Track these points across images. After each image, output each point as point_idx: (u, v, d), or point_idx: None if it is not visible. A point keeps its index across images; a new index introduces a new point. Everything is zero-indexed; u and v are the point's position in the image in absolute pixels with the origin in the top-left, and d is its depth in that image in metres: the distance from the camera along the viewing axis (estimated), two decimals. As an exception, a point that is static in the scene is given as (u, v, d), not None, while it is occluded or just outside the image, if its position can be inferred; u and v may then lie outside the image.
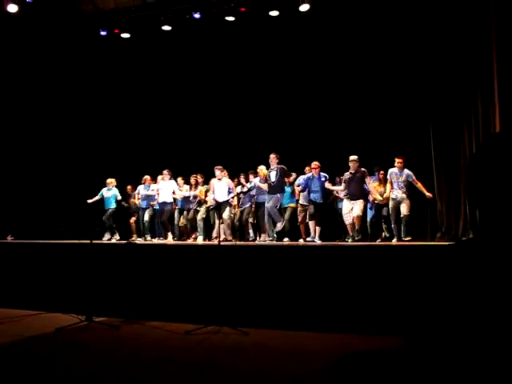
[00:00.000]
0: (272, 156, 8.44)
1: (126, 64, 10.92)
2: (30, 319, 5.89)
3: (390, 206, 7.79)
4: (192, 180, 9.89)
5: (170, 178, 9.80)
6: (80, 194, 10.38)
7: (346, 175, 7.96)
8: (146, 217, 10.13)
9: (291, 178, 8.82)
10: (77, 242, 7.59)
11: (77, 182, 10.92)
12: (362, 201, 7.83)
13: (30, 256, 6.88)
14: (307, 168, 8.88)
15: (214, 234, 9.31)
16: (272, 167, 8.44)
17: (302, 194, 8.72)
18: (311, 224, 8.52)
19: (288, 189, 8.88)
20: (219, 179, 9.22)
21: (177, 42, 10.24)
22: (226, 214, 8.99)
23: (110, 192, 10.21)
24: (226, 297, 5.27)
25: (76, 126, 11.40)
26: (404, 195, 7.67)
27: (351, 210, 7.78)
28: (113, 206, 10.19)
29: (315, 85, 9.84)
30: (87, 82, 11.18)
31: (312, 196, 8.46)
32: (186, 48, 10.37)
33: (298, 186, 8.86)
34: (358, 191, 7.82)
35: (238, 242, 7.95)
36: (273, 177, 8.31)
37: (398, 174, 7.75)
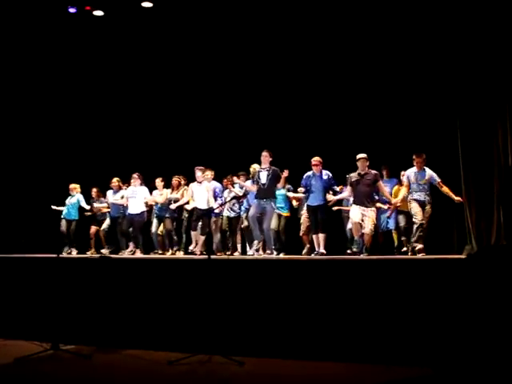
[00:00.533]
0: (264, 154, 8.17)
1: (99, 47, 10.88)
2: (-15, 348, 5.85)
3: (413, 206, 7.60)
4: (174, 181, 9.79)
5: (141, 184, 9.62)
6: (44, 201, 10.34)
7: (353, 176, 7.80)
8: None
9: (281, 181, 8.24)
10: (41, 256, 7.56)
11: (40, 187, 10.87)
12: (374, 210, 7.71)
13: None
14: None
15: (193, 247, 9.26)
16: (263, 166, 8.18)
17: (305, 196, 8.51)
18: (315, 235, 8.30)
19: (281, 193, 8.83)
20: (199, 182, 9.10)
21: (159, 22, 10.22)
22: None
23: (73, 199, 10.19)
24: (217, 320, 5.23)
25: (38, 120, 11.34)
26: (427, 198, 7.59)
27: (362, 220, 7.60)
28: (74, 216, 10.20)
29: (323, 73, 9.85)
30: (52, 70, 11.12)
31: (311, 198, 8.24)
32: (170, 29, 10.34)
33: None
34: (368, 196, 7.69)
35: (231, 256, 7.91)
36: (263, 178, 8.02)
37: (418, 174, 7.64)
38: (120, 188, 10.09)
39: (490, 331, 4.56)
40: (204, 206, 8.91)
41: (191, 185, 9.27)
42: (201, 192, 9.06)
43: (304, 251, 8.62)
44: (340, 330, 5.10)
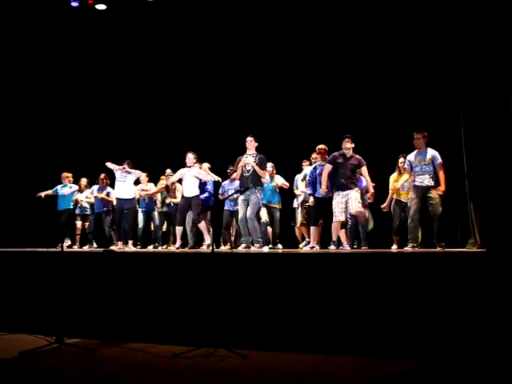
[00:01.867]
0: (249, 139, 7.89)
1: (101, 41, 10.87)
2: (-12, 342, 5.87)
3: (412, 196, 7.28)
4: (163, 177, 9.81)
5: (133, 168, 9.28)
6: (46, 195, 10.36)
7: (337, 157, 7.59)
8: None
9: (266, 174, 8.11)
10: (45, 250, 7.58)
11: (41, 181, 10.88)
12: (357, 191, 7.55)
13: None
14: (313, 156, 8.50)
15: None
16: (249, 152, 7.89)
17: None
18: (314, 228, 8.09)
19: (271, 185, 8.79)
20: (189, 167, 8.64)
21: (162, 15, 10.21)
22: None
23: (68, 190, 10.12)
24: (220, 314, 5.25)
25: (36, 116, 11.37)
26: (432, 182, 7.13)
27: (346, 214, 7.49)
28: (70, 206, 10.10)
29: (323, 59, 9.86)
30: (54, 64, 11.13)
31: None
32: (173, 23, 10.33)
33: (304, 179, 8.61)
34: (351, 181, 7.51)
35: (235, 250, 7.90)
36: (248, 167, 7.78)
37: (419, 154, 7.26)
38: (107, 184, 10.05)
39: (494, 325, 4.57)
40: (191, 194, 8.57)
41: (181, 170, 8.80)
42: (190, 178, 8.64)
43: (302, 244, 8.57)
44: (343, 323, 5.11)
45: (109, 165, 9.19)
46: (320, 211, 7.97)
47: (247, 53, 10.27)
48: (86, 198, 10.41)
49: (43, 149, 11.35)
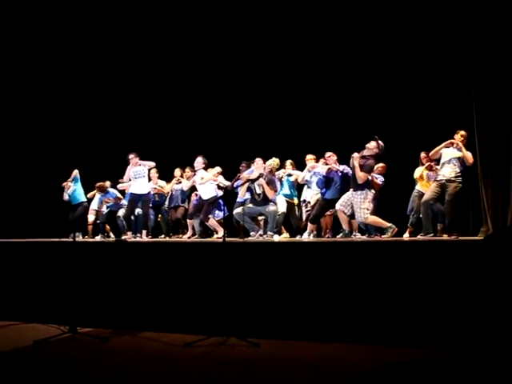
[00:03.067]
0: (259, 162, 8.20)
1: (110, 43, 10.79)
2: (4, 331, 5.94)
3: (434, 186, 7.30)
4: (178, 172, 9.79)
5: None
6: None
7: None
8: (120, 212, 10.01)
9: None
10: (57, 240, 7.62)
11: (54, 173, 10.90)
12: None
13: (3, 257, 6.91)
14: (323, 160, 8.53)
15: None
16: (256, 173, 8.08)
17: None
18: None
19: (289, 180, 8.83)
20: (196, 171, 8.86)
21: (172, 17, 10.15)
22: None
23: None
24: (232, 303, 5.25)
25: (46, 114, 11.36)
26: (453, 174, 7.13)
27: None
28: (85, 199, 10.15)
29: (329, 56, 9.74)
30: (54, 64, 11.08)
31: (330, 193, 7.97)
32: (182, 24, 10.27)
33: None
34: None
35: (246, 239, 7.90)
36: (258, 188, 7.96)
37: (453, 150, 7.24)
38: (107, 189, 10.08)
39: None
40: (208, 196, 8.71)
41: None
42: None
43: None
44: (356, 311, 5.11)
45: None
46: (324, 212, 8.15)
47: (261, 60, 10.16)
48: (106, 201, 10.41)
49: (53, 143, 11.35)
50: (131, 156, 9.01)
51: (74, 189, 9.97)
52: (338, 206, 7.52)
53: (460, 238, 6.80)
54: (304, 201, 8.93)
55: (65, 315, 5.71)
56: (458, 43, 8.09)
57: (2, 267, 6.82)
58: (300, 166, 8.99)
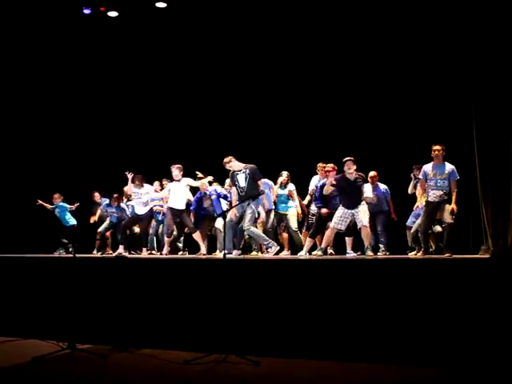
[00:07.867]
0: (227, 160, 7.97)
1: (113, 48, 10.92)
2: (2, 347, 5.91)
3: (424, 210, 7.41)
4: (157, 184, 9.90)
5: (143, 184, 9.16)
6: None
7: (342, 182, 7.54)
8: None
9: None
10: (57, 255, 7.61)
11: (54, 186, 10.92)
12: (364, 203, 7.54)
13: (1, 272, 6.89)
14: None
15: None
16: (239, 168, 7.90)
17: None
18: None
19: (284, 193, 8.83)
20: (178, 180, 8.57)
21: (173, 22, 10.24)
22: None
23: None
24: (232, 320, 5.23)
25: (47, 123, 11.42)
26: (445, 197, 7.17)
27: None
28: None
29: (331, 63, 9.81)
30: (66, 71, 11.18)
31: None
32: (184, 29, 10.36)
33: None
34: (359, 198, 7.49)
35: (246, 256, 7.89)
36: (241, 181, 7.80)
37: (436, 167, 7.21)
38: (118, 204, 10.19)
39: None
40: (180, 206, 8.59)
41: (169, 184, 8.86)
42: (178, 190, 8.60)
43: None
44: (356, 330, 5.09)
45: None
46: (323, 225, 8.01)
47: (260, 66, 10.24)
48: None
49: (53, 157, 11.39)
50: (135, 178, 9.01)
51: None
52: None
53: (453, 256, 6.82)
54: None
55: (64, 331, 5.69)
56: (458, 55, 8.12)
57: (1, 283, 6.81)
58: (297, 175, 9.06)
